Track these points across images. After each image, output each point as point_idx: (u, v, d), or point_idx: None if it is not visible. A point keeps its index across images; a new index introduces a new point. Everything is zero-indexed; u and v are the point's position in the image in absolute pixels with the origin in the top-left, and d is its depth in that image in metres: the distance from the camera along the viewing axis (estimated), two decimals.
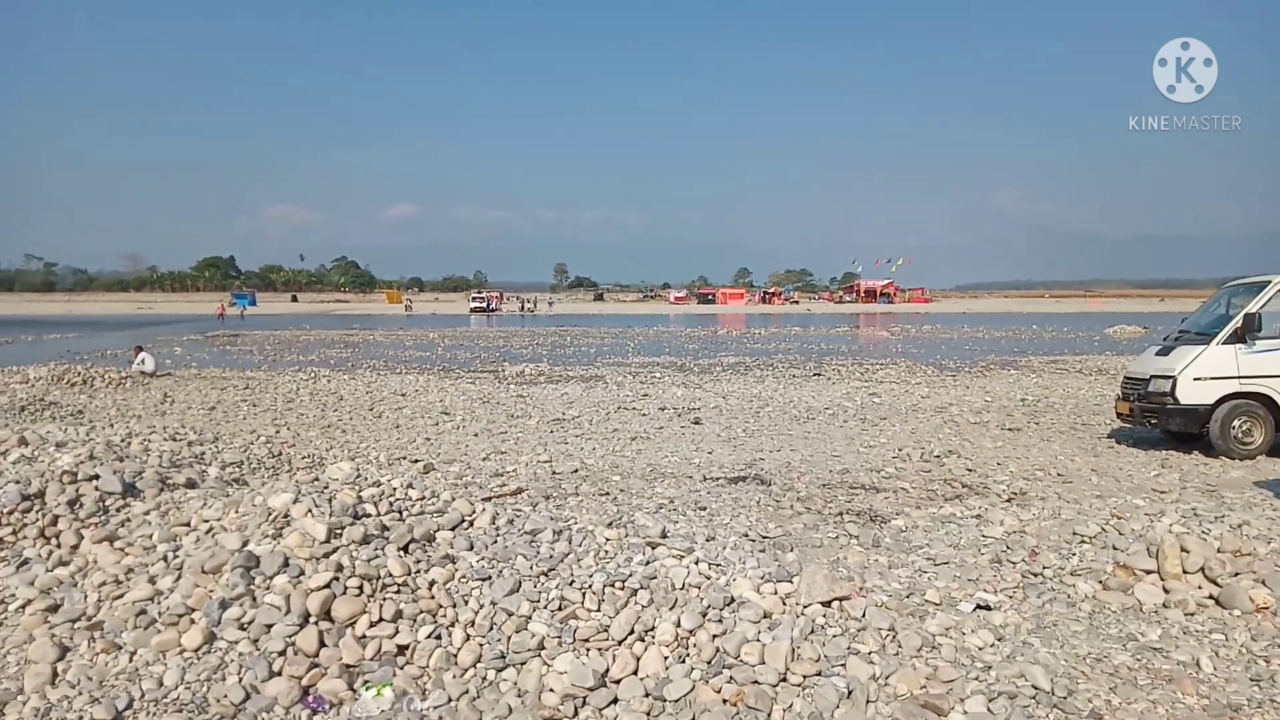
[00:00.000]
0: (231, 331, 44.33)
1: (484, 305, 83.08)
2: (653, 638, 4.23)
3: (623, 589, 4.57)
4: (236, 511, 5.48)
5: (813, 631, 4.31)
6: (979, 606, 4.95)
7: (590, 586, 4.58)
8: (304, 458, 9.41)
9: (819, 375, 20.44)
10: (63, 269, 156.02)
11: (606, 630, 4.27)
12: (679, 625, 4.27)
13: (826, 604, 4.56)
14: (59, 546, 5.45)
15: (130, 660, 4.12)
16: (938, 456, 10.02)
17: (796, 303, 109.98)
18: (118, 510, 5.97)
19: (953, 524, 6.72)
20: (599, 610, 4.42)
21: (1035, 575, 5.45)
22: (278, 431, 11.87)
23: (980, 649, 4.34)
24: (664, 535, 5.45)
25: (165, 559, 5.03)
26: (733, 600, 4.54)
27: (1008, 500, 7.72)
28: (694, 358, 26.66)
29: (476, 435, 11.81)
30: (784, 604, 4.55)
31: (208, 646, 4.14)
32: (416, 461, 9.60)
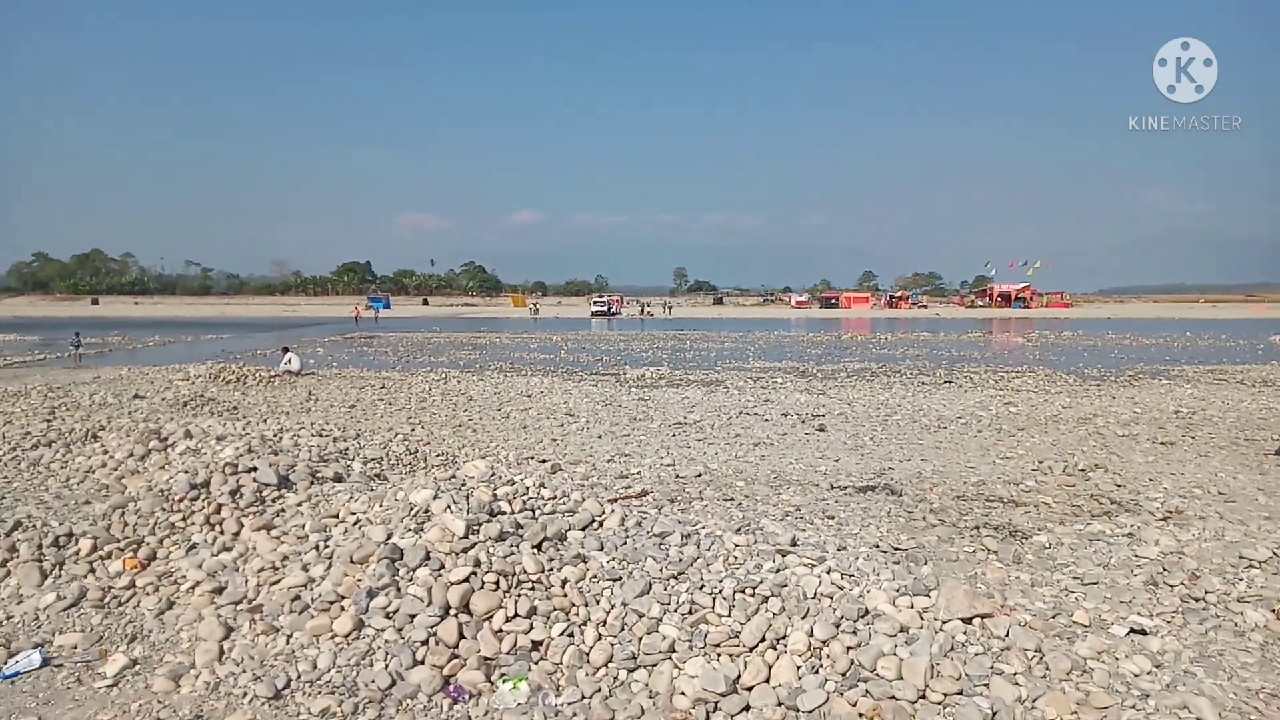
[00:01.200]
0: (368, 333, 46.58)
1: (605, 309, 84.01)
2: (785, 646, 4.18)
3: (753, 595, 4.53)
4: (381, 505, 5.76)
5: (953, 649, 4.15)
6: (1133, 630, 4.65)
7: (720, 592, 4.57)
8: (438, 455, 9.77)
9: (950, 383, 19.70)
10: (217, 274, 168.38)
11: (737, 636, 4.25)
12: (812, 635, 4.20)
13: (967, 621, 4.39)
14: (222, 533, 5.87)
15: (287, 643, 4.38)
16: (1082, 470, 9.48)
17: (924, 307, 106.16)
18: (273, 501, 6.39)
19: (1101, 542, 6.35)
20: (729, 616, 4.40)
21: (1196, 600, 5.09)
22: (413, 430, 12.38)
23: (1136, 676, 4.08)
24: (794, 543, 5.38)
25: (317, 548, 5.34)
26: (867, 612, 4.43)
27: (1163, 519, 7.23)
28: (817, 363, 26.18)
29: (600, 437, 11.98)
30: (921, 618, 4.41)
31: (357, 633, 4.37)
32: (544, 461, 9.82)
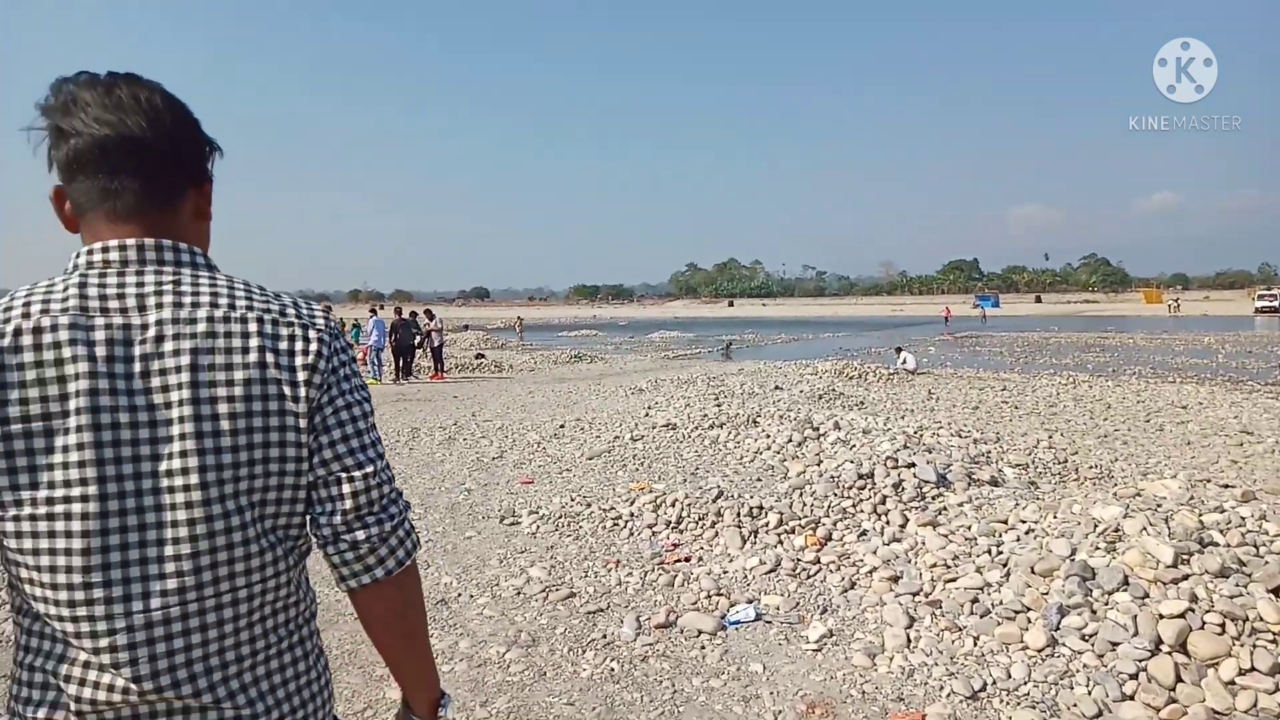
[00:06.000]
0: (976, 333, 45.54)
1: (1274, 305, 68.39)
2: None
3: None
4: (1055, 516, 5.40)
5: None
6: None
7: None
8: (1090, 467, 8.92)
9: None
10: (830, 276, 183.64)
11: None
12: None
13: None
14: (889, 524, 6.13)
15: (975, 645, 4.34)
16: None
17: None
18: (933, 499, 6.48)
19: None
20: None
21: None
22: (1050, 436, 11.56)
23: None
24: None
25: (989, 552, 5.21)
26: None
27: None
28: None
29: None
30: None
31: (1050, 650, 4.12)
32: (1227, 486, 8.24)
